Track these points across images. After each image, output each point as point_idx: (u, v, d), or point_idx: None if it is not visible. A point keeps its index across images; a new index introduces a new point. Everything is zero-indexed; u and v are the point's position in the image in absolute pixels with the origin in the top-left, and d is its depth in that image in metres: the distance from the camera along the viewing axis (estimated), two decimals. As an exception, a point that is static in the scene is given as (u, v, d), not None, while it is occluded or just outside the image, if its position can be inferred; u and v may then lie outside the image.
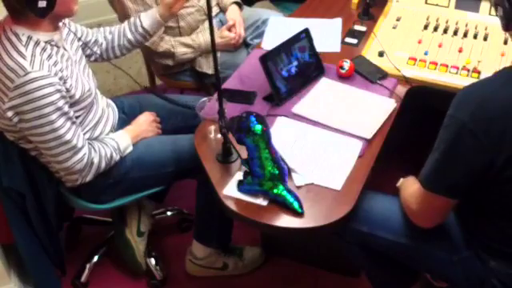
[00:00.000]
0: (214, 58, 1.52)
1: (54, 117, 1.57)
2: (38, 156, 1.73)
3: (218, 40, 2.33)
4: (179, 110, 2.05)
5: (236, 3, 2.46)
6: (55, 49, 1.64)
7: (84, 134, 1.73)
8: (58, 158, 1.65)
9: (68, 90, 1.62)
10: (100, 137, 1.82)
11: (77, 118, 1.70)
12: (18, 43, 1.55)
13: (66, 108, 1.61)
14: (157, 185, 1.93)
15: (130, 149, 1.85)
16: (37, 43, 1.58)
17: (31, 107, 1.53)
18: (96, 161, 1.72)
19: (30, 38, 1.57)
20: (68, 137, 1.62)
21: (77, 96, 1.67)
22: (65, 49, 1.71)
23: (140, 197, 1.94)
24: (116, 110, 1.99)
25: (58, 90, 1.56)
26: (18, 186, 1.72)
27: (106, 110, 1.90)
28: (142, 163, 1.85)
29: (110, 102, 2.00)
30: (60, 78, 1.58)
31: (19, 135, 1.65)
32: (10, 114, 1.55)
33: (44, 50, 1.59)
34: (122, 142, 1.82)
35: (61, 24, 1.71)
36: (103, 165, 1.75)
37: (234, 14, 2.41)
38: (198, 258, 2.08)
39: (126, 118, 2.00)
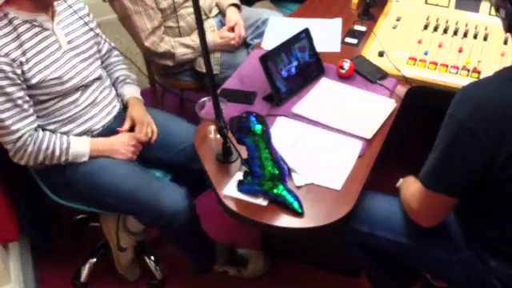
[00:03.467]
0: (207, 59, 1.52)
1: None
2: None
3: (218, 40, 2.34)
4: (182, 145, 1.92)
5: (234, 5, 2.46)
6: (36, 29, 1.64)
7: (47, 124, 1.73)
8: None
9: (23, 73, 1.62)
10: (68, 133, 1.79)
11: (39, 103, 1.69)
12: None
13: (10, 89, 1.60)
14: (100, 208, 1.86)
15: (85, 159, 1.78)
16: (10, 21, 1.60)
17: None
18: (30, 150, 1.69)
19: (6, 14, 1.59)
20: (2, 116, 1.61)
21: (34, 80, 1.65)
22: (54, 32, 1.71)
23: (96, 212, 1.89)
24: (111, 117, 1.91)
25: (1, 70, 1.56)
26: None
27: (91, 112, 1.83)
28: (88, 179, 1.78)
29: (112, 110, 1.92)
30: (13, 60, 1.58)
31: None
32: None
33: (15, 28, 1.60)
34: (77, 146, 1.77)
35: (56, 3, 1.71)
36: (41, 157, 1.72)
37: (233, 15, 2.41)
38: None
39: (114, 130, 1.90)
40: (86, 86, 1.82)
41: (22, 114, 1.65)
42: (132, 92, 1.99)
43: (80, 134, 1.82)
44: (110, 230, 2.02)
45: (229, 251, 2.10)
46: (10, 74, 1.59)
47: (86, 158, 1.78)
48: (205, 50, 1.50)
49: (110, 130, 1.89)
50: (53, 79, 1.70)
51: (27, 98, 1.66)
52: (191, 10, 2.29)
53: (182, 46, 2.31)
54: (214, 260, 2.06)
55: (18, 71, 1.60)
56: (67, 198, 1.87)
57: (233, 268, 2.10)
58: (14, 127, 1.64)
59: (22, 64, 1.61)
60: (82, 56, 1.80)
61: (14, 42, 1.60)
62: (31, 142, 1.69)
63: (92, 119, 1.85)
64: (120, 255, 2.06)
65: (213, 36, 2.34)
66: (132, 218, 2.00)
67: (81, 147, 1.77)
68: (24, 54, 1.61)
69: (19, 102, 1.64)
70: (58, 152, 1.74)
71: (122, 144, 1.84)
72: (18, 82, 1.62)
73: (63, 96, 1.74)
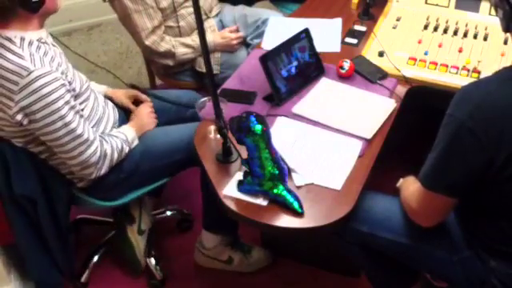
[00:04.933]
0: (207, 59, 1.52)
1: (64, 111, 1.57)
2: (47, 158, 1.73)
3: (218, 40, 2.34)
4: (177, 101, 2.08)
5: None
6: (46, 46, 1.64)
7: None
8: (72, 153, 1.65)
9: (70, 83, 1.63)
10: (105, 133, 1.83)
11: (82, 111, 1.71)
12: (12, 46, 1.55)
13: (73, 101, 1.62)
14: (165, 175, 1.96)
15: (137, 141, 1.87)
16: (30, 43, 1.58)
17: (41, 105, 1.53)
18: (109, 152, 1.74)
19: (22, 39, 1.57)
20: (80, 130, 1.63)
21: (77, 89, 1.68)
22: (54, 45, 1.72)
23: (149, 190, 1.95)
24: (115, 107, 1.99)
25: (63, 85, 1.57)
26: (31, 192, 1.72)
27: (105, 107, 1.90)
28: (150, 154, 1.87)
29: (108, 100, 2.00)
30: (62, 73, 1.59)
31: (27, 139, 1.65)
32: (19, 117, 1.55)
33: (38, 47, 1.60)
34: (129, 134, 1.85)
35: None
36: (116, 156, 1.76)
37: None
38: (205, 247, 2.09)
39: (124, 115, 2.01)
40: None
41: (87, 123, 1.69)
42: (102, 87, 2.07)
43: (111, 129, 1.87)
44: (135, 215, 2.10)
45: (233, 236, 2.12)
46: (68, 87, 1.60)
47: (137, 141, 1.88)
48: (205, 50, 1.50)
49: (122, 119, 1.97)
50: (85, 83, 1.74)
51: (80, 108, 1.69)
52: (191, 9, 2.29)
53: (183, 46, 2.31)
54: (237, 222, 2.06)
55: (68, 83, 1.62)
56: (120, 196, 1.91)
57: (238, 253, 2.11)
58: (91, 138, 1.67)
59: (66, 76, 1.62)
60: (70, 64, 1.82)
61: (49, 58, 1.60)
62: (105, 144, 1.73)
63: (110, 112, 1.92)
64: (139, 240, 2.10)
65: (213, 36, 2.34)
66: (147, 200, 2.14)
67: (130, 133, 1.85)
68: (60, 66, 1.62)
69: (81, 112, 1.67)
70: (124, 145, 1.80)
71: (146, 116, 1.97)
72: (73, 93, 1.64)
73: (88, 100, 1.76)
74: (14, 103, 1.53)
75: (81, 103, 1.71)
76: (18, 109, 1.54)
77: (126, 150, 1.81)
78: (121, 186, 1.87)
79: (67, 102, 1.58)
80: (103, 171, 1.75)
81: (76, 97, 1.67)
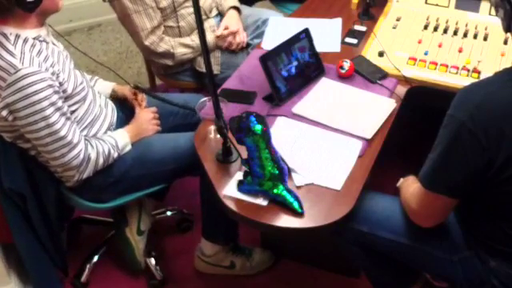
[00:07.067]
0: (207, 59, 1.51)
1: (48, 112, 1.56)
2: (37, 155, 1.73)
3: (212, 40, 2.33)
4: (178, 108, 2.05)
5: (234, 8, 2.45)
6: (44, 44, 1.64)
7: (81, 131, 1.73)
8: (53, 154, 1.65)
9: (61, 84, 1.62)
10: (97, 135, 1.82)
11: (72, 113, 1.70)
12: (6, 43, 1.55)
13: (60, 103, 1.60)
14: (157, 183, 1.93)
15: (129, 147, 1.85)
16: (25, 41, 1.58)
17: (25, 104, 1.53)
18: (93, 157, 1.72)
19: (18, 36, 1.57)
20: (63, 132, 1.62)
21: (69, 90, 1.67)
22: (54, 44, 1.71)
23: (141, 195, 1.94)
24: (115, 109, 1.98)
25: (51, 85, 1.56)
26: (19, 187, 1.72)
27: (103, 108, 1.89)
28: (142, 162, 1.85)
29: (109, 100, 1.99)
30: (52, 73, 1.58)
31: (15, 135, 1.65)
32: (4, 113, 1.55)
33: (33, 46, 1.59)
34: (121, 140, 1.82)
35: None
36: (101, 161, 1.75)
37: (232, 20, 2.39)
38: (206, 255, 2.08)
39: (124, 117, 1.99)
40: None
41: (74, 126, 1.67)
42: (110, 83, 2.07)
43: (105, 131, 1.86)
44: (134, 216, 2.08)
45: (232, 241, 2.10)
46: (57, 88, 1.59)
47: (130, 147, 1.85)
48: (205, 50, 1.50)
49: (121, 122, 1.95)
50: (79, 85, 1.73)
51: (69, 110, 1.68)
52: (191, 9, 2.29)
53: (182, 46, 2.31)
54: (237, 229, 2.06)
55: (58, 84, 1.61)
56: (109, 199, 1.89)
57: (239, 257, 2.10)
58: (74, 140, 1.66)
59: (58, 76, 1.62)
60: (72, 63, 1.81)
61: (42, 58, 1.59)
62: (90, 148, 1.72)
63: (108, 114, 1.90)
64: (138, 240, 2.09)
65: (213, 36, 2.34)
66: (147, 201, 2.11)
67: (123, 139, 1.83)
68: (53, 66, 1.62)
69: (68, 114, 1.65)
70: (111, 150, 1.77)
71: (146, 122, 1.94)
72: (62, 94, 1.63)
73: (83, 100, 1.76)
74: (0, 98, 1.54)
75: (73, 104, 1.70)
76: (3, 105, 1.54)
77: (115, 155, 1.79)
78: (109, 189, 1.85)
79: (53, 104, 1.57)
80: (86, 175, 1.73)
81: (67, 98, 1.66)
